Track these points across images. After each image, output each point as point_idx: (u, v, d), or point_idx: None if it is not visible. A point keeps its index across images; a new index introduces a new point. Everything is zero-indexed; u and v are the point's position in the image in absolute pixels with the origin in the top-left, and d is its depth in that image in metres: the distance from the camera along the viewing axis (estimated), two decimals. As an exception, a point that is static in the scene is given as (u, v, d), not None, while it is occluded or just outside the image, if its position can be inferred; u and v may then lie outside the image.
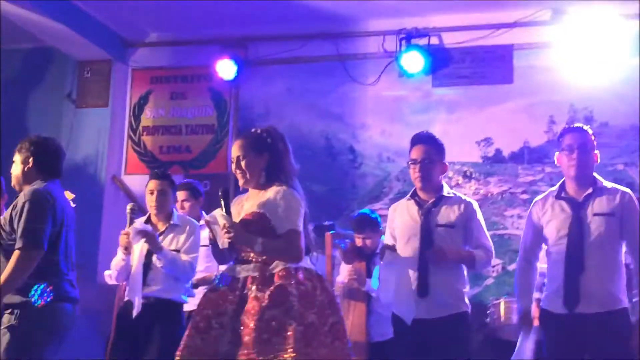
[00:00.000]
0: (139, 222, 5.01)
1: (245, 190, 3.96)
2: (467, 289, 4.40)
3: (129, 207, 5.09)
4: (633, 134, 6.55)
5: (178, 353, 3.70)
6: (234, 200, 3.99)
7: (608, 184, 4.27)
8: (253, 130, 4.00)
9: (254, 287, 3.70)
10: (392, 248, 4.44)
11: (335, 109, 7.38)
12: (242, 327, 3.64)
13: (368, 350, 5.26)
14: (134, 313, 4.86)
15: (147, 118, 7.81)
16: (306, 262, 3.81)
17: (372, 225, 5.42)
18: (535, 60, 6.84)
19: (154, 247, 4.85)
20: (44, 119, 7.78)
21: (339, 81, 7.35)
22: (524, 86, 6.87)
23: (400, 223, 4.47)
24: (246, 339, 3.59)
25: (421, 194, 4.45)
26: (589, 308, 4.04)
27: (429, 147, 4.43)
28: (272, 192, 3.80)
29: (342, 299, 5.44)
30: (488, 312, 5.63)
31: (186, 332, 3.76)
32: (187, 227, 5.07)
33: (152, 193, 5.08)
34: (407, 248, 4.38)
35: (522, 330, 4.35)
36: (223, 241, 3.75)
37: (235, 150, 3.93)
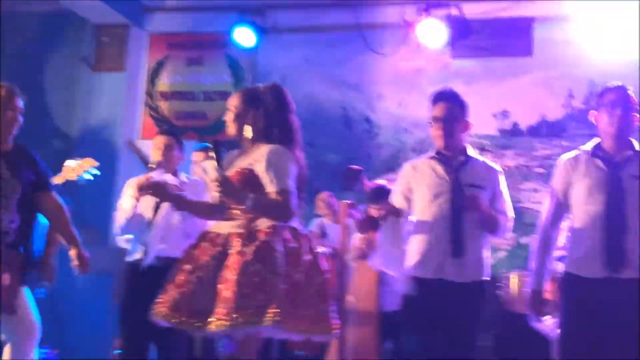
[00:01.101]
0: (158, 174, 4.94)
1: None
2: (489, 255, 4.28)
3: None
4: (653, 109, 6.48)
5: (155, 308, 3.59)
6: (228, 154, 3.95)
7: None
8: (256, 85, 3.98)
9: (237, 243, 3.60)
10: (397, 213, 4.25)
11: (352, 78, 7.34)
12: (222, 282, 3.52)
13: (379, 319, 5.27)
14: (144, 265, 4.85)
15: (164, 83, 7.80)
16: (294, 222, 3.72)
17: (387, 195, 5.40)
18: (555, 33, 6.76)
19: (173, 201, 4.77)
20: (60, 82, 7.80)
21: (357, 51, 7.29)
22: (544, 59, 6.80)
23: (423, 182, 4.24)
24: (225, 293, 3.47)
25: (445, 153, 4.24)
26: (630, 272, 3.80)
27: (452, 104, 4.23)
28: (265, 149, 3.73)
29: (356, 265, 5.45)
30: (500, 284, 5.61)
31: (165, 287, 3.65)
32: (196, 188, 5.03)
33: (158, 149, 5.06)
34: (432, 207, 4.17)
35: (531, 311, 4.19)
36: (213, 195, 3.70)
37: (230, 101, 3.94)
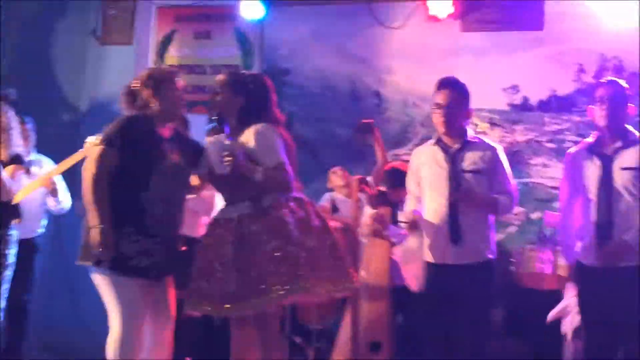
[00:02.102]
0: None
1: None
2: (494, 238, 4.39)
3: None
4: (663, 83, 6.46)
5: (188, 299, 3.75)
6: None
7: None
8: (240, 71, 4.07)
9: (250, 223, 3.75)
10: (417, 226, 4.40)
11: (361, 52, 7.29)
12: (246, 264, 3.68)
13: (391, 294, 5.30)
14: None
15: (172, 57, 7.76)
16: (295, 192, 3.90)
17: (403, 180, 5.39)
18: (566, 6, 6.68)
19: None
20: (67, 56, 7.76)
21: (366, 24, 7.24)
22: (554, 33, 6.74)
23: (427, 170, 4.45)
24: (252, 273, 3.64)
25: (445, 139, 4.42)
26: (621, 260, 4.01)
27: (454, 91, 4.39)
28: (250, 131, 3.87)
29: (367, 241, 5.47)
30: (512, 259, 5.64)
31: (190, 280, 3.81)
32: None
33: None
34: (435, 195, 4.36)
35: (569, 285, 4.37)
36: (224, 167, 3.75)
37: (215, 82, 4.03)
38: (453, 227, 4.26)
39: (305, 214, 3.83)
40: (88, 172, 3.87)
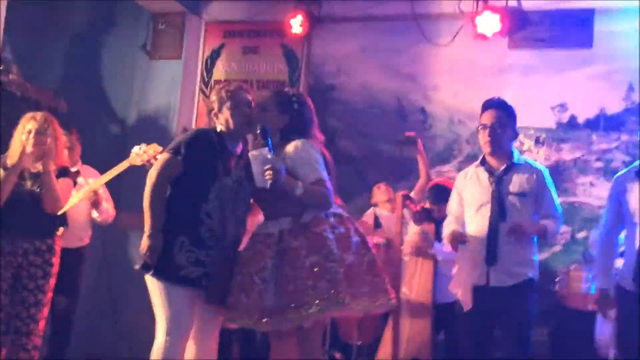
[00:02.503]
0: None
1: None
2: (536, 256, 4.35)
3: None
4: None
5: (227, 312, 3.80)
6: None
7: None
8: (285, 89, 4.11)
9: (290, 239, 3.77)
10: (463, 240, 4.37)
11: (407, 69, 7.29)
12: (285, 279, 3.71)
13: (433, 311, 5.26)
14: None
15: (219, 71, 7.84)
16: (335, 208, 3.90)
17: (447, 196, 5.37)
18: (616, 25, 6.61)
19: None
20: (117, 70, 7.87)
21: (413, 41, 7.23)
22: (604, 51, 6.65)
23: (470, 191, 4.44)
24: (291, 288, 3.67)
25: (490, 160, 4.41)
26: None
27: (500, 112, 4.39)
28: (290, 147, 3.90)
29: (410, 258, 5.44)
30: (556, 279, 5.56)
31: (229, 293, 3.83)
32: None
33: None
34: (477, 216, 4.35)
35: (600, 311, 4.29)
36: (265, 180, 3.77)
37: (261, 99, 4.09)
38: (490, 249, 4.25)
39: (345, 230, 3.85)
40: (149, 179, 3.97)
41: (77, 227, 5.63)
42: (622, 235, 4.28)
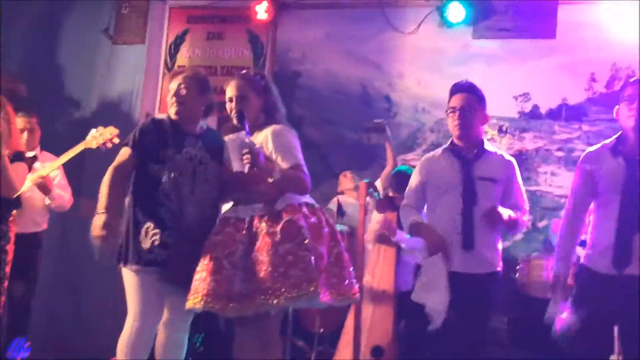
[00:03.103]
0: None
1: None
2: (501, 246, 4.33)
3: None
4: (676, 95, 6.40)
5: (194, 298, 3.73)
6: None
7: None
8: (246, 71, 4.10)
9: (263, 225, 3.75)
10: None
11: (373, 56, 7.30)
12: (256, 264, 3.68)
13: (395, 299, 5.27)
14: None
15: (184, 57, 7.78)
16: (307, 197, 3.90)
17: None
18: (579, 16, 6.67)
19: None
20: (79, 55, 7.76)
21: (378, 29, 7.24)
22: (567, 42, 6.71)
23: (437, 175, 4.33)
24: (262, 274, 3.64)
25: (460, 145, 4.30)
26: (632, 270, 3.86)
27: (470, 95, 4.28)
28: (269, 130, 3.90)
29: (373, 246, 5.45)
30: (517, 267, 5.59)
31: (195, 277, 3.78)
32: None
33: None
34: (444, 202, 4.25)
35: (554, 296, 4.20)
36: (242, 165, 3.74)
37: (233, 89, 4.00)
38: (466, 235, 4.15)
39: (317, 220, 3.83)
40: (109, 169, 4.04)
41: (33, 212, 5.56)
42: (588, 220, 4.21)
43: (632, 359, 3.91)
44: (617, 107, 4.07)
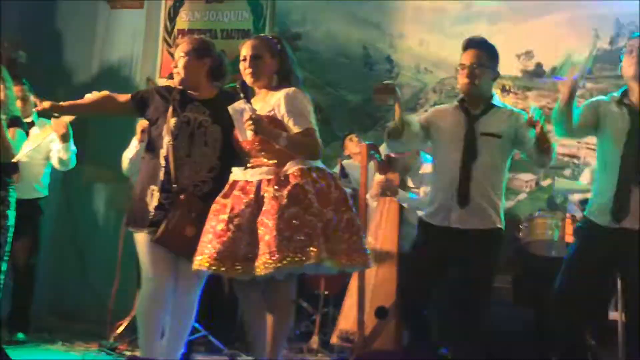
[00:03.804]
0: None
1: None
2: (504, 203, 4.31)
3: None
4: (680, 50, 6.33)
5: (200, 259, 3.76)
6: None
7: None
8: (263, 35, 4.09)
9: (270, 189, 3.75)
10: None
11: (373, 17, 7.22)
12: (261, 227, 3.69)
13: (399, 260, 5.28)
14: None
15: (183, 21, 7.70)
16: (318, 162, 3.89)
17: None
18: (582, -29, 6.60)
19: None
20: (76, 19, 7.70)
21: (379, -12, 7.17)
22: (569, -2, 6.64)
23: (443, 128, 4.31)
24: (267, 238, 3.65)
25: (469, 102, 4.27)
26: (630, 223, 3.90)
27: (481, 51, 4.24)
28: (282, 93, 3.87)
29: (376, 207, 5.45)
30: (521, 226, 5.58)
31: (202, 239, 3.82)
32: None
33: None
34: (448, 157, 4.24)
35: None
36: (246, 132, 3.79)
37: (248, 49, 3.98)
38: (462, 191, 4.14)
39: (326, 185, 3.82)
40: None
41: (31, 178, 5.57)
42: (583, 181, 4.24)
43: (634, 313, 3.93)
44: (620, 63, 4.07)
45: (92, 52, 7.70)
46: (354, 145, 6.51)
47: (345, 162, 6.42)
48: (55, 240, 6.84)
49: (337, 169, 6.31)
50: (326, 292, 5.87)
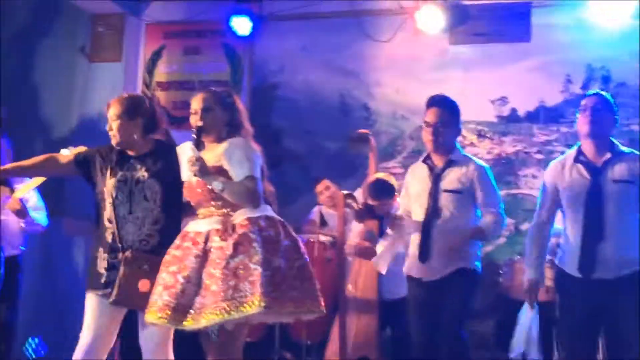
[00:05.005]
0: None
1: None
2: (475, 249, 4.41)
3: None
4: (650, 94, 6.46)
5: (150, 312, 3.78)
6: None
7: (626, 149, 4.22)
8: (214, 88, 4.15)
9: (216, 238, 3.79)
10: (398, 218, 4.59)
11: (350, 66, 7.31)
12: (208, 278, 3.72)
13: (379, 308, 5.28)
14: None
15: (161, 73, 7.77)
16: (268, 211, 3.91)
17: (388, 191, 5.37)
18: (553, 18, 6.71)
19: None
20: (55, 74, 7.72)
21: (354, 38, 7.25)
22: (542, 45, 6.75)
23: (413, 186, 4.57)
24: (213, 287, 3.68)
25: (434, 157, 4.51)
26: (606, 274, 4.00)
27: (443, 110, 4.47)
28: (227, 143, 3.93)
29: (354, 258, 5.45)
30: (501, 271, 5.61)
31: (153, 291, 3.83)
32: None
33: None
34: (417, 212, 4.48)
35: (527, 300, 4.35)
36: (188, 174, 3.86)
37: (198, 103, 4.03)
38: (423, 247, 4.38)
39: (275, 234, 3.83)
40: None
41: (10, 235, 5.54)
42: (557, 225, 4.34)
43: None
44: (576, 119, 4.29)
45: (70, 105, 7.73)
46: (324, 192, 6.52)
47: (324, 209, 6.43)
48: (35, 294, 6.78)
49: (316, 216, 6.34)
50: (309, 342, 5.84)
